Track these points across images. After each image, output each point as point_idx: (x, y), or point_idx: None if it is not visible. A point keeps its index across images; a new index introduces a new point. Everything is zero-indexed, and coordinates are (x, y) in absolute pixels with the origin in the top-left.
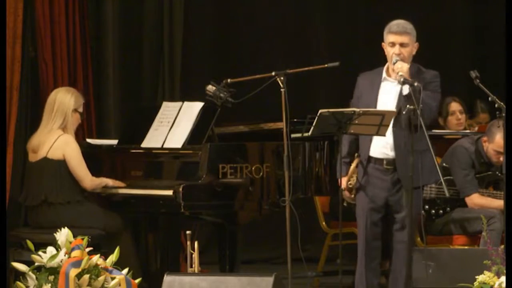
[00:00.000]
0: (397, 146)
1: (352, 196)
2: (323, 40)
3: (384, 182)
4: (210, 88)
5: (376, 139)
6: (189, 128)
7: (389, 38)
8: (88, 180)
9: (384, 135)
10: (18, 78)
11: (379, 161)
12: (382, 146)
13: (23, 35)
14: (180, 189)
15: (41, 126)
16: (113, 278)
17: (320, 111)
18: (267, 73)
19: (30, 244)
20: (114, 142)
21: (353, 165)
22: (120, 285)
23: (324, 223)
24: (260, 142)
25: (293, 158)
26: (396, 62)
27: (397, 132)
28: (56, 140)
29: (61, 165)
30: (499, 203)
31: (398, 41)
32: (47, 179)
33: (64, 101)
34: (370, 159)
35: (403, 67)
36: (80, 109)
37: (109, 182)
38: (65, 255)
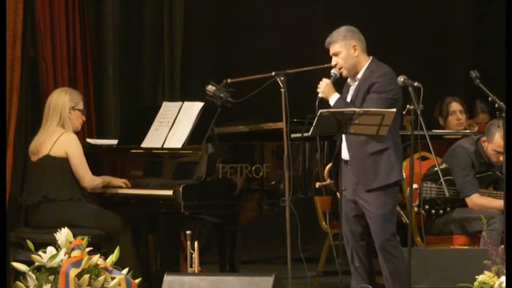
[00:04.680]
0: (349, 148)
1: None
2: (323, 40)
3: (350, 180)
4: (210, 88)
5: (344, 142)
6: (189, 128)
7: None
8: (88, 179)
9: (384, 134)
10: (18, 78)
11: (346, 161)
12: (344, 148)
13: (23, 35)
14: (180, 189)
15: (40, 129)
16: (113, 278)
17: (320, 111)
18: (267, 73)
19: (30, 244)
20: (114, 142)
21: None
22: (120, 285)
23: (324, 223)
24: (260, 142)
25: (293, 158)
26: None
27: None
28: (58, 137)
29: (64, 163)
30: (499, 203)
31: (331, 52)
32: (49, 176)
33: (58, 100)
34: (342, 160)
35: (321, 87)
36: (79, 106)
37: (112, 180)
38: (65, 255)
